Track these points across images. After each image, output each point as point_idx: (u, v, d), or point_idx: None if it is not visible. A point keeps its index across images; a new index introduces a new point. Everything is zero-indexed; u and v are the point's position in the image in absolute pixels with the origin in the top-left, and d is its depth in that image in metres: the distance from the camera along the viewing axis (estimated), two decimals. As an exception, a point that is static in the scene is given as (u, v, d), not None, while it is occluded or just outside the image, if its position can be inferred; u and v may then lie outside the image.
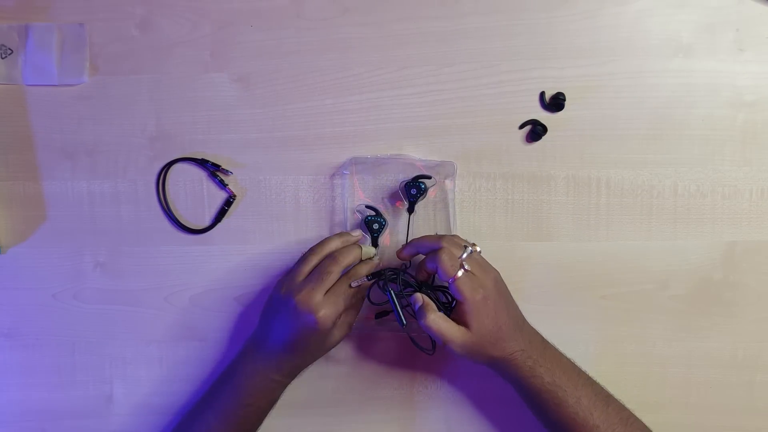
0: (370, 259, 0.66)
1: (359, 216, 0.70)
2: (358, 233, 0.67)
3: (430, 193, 0.70)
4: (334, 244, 0.64)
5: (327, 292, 0.60)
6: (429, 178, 0.68)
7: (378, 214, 0.68)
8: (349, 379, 0.74)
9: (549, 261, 0.72)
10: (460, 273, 0.57)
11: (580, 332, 0.72)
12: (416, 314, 0.59)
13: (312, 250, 0.64)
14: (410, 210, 0.68)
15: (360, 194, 0.71)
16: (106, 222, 0.73)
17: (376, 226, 0.68)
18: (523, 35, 0.71)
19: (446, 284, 0.59)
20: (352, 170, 0.71)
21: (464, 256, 0.59)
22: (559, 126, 0.71)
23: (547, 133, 0.71)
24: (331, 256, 0.62)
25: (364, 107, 0.71)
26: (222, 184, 0.72)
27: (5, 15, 0.72)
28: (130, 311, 0.74)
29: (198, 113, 0.72)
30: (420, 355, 0.73)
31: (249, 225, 0.73)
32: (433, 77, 0.71)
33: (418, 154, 0.72)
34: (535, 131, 0.71)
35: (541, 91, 0.71)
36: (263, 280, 0.73)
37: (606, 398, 0.61)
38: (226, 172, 0.72)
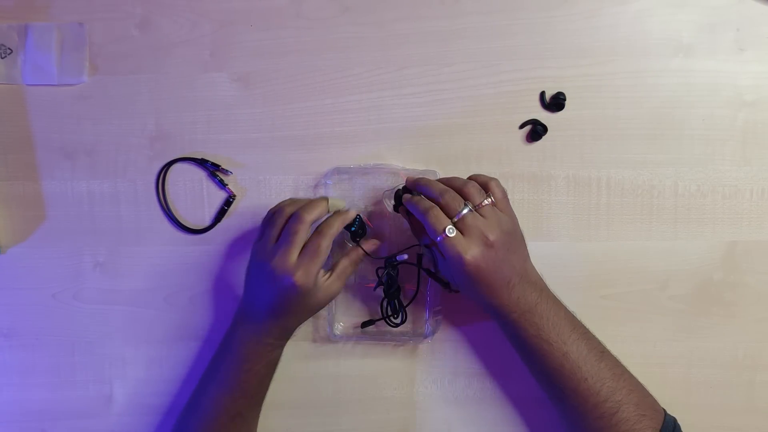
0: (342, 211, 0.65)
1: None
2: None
3: None
4: (292, 207, 0.63)
5: (301, 251, 0.60)
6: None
7: (360, 223, 0.67)
8: (349, 379, 0.74)
9: (549, 261, 0.71)
10: (450, 233, 0.57)
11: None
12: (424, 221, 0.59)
13: (278, 212, 0.63)
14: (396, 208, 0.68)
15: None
16: (105, 222, 0.73)
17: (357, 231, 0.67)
18: (522, 35, 0.71)
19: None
20: (335, 180, 0.71)
21: (457, 217, 0.58)
22: (559, 126, 0.71)
23: (548, 132, 0.71)
24: (295, 215, 0.61)
25: (363, 107, 0.71)
26: (222, 184, 0.72)
27: (5, 15, 0.72)
28: (129, 311, 0.74)
29: (198, 113, 0.72)
30: (420, 356, 0.73)
31: (249, 225, 0.73)
32: (433, 77, 0.71)
33: (419, 154, 0.72)
34: (536, 131, 0.71)
35: (542, 90, 0.71)
36: (263, 280, 0.72)
37: (600, 353, 0.61)
38: (225, 171, 0.72)
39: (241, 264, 0.73)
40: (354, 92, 0.71)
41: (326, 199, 0.64)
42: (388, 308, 0.69)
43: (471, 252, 0.57)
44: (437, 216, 0.58)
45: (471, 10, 0.71)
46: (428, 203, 0.60)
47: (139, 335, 0.74)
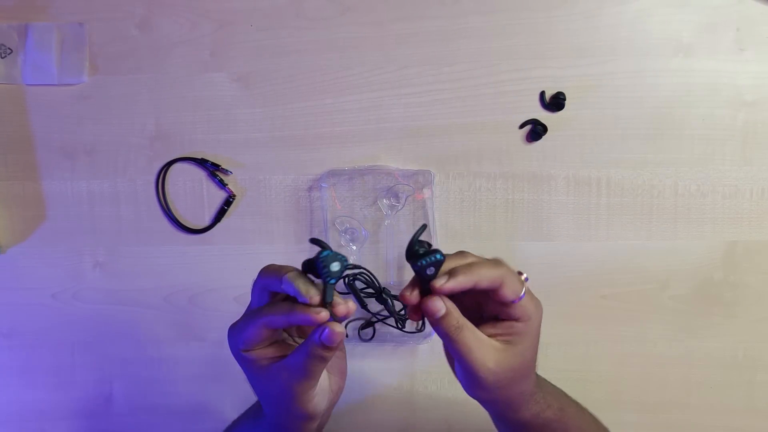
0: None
1: (338, 227, 0.70)
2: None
3: (417, 196, 0.70)
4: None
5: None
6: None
7: (328, 249, 0.43)
8: (349, 380, 0.74)
9: (549, 261, 0.72)
10: (523, 291, 0.46)
11: (580, 332, 0.72)
12: (439, 326, 0.44)
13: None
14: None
15: (338, 206, 0.71)
16: (105, 222, 0.73)
17: (335, 265, 0.42)
18: (522, 35, 0.71)
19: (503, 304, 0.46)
20: (330, 182, 0.71)
21: (526, 276, 0.48)
22: (559, 126, 0.71)
23: (547, 132, 0.71)
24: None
25: (363, 107, 0.71)
26: (222, 184, 0.72)
27: (5, 14, 0.72)
28: (129, 311, 0.74)
29: (198, 113, 0.72)
30: (420, 356, 0.73)
31: (249, 225, 0.73)
32: (433, 77, 0.71)
33: (419, 153, 0.72)
34: (535, 131, 0.71)
35: (541, 90, 0.71)
36: (263, 280, 0.72)
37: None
38: (225, 171, 0.72)
39: (240, 264, 0.73)
40: (354, 92, 0.71)
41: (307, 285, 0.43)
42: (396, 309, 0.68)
43: (540, 315, 0.47)
44: (512, 273, 0.46)
45: (471, 9, 0.71)
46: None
47: (138, 335, 0.74)
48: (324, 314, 0.42)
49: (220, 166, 0.72)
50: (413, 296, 0.44)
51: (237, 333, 0.46)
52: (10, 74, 0.72)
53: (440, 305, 0.43)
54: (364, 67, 0.71)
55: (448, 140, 0.71)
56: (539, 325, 0.48)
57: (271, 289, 0.46)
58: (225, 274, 0.73)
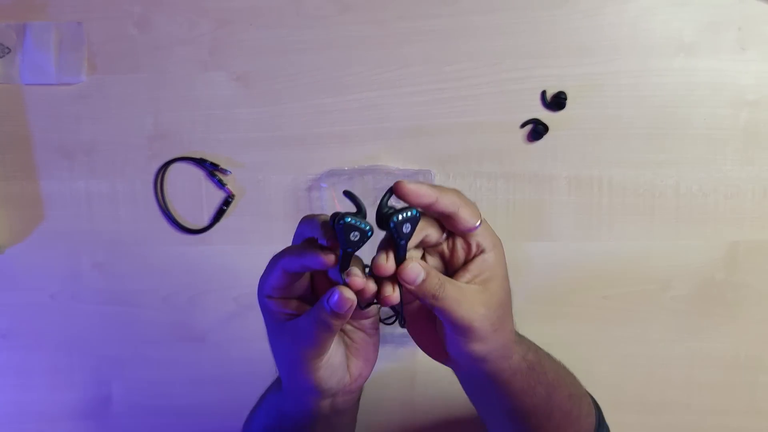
0: None
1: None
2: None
3: None
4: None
5: None
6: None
7: (359, 213, 0.39)
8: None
9: (550, 261, 0.71)
10: (480, 219, 0.42)
11: (581, 333, 0.72)
12: (421, 291, 0.40)
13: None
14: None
15: (338, 206, 0.71)
16: (104, 222, 0.73)
17: (355, 235, 0.38)
18: (524, 33, 0.70)
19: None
20: (330, 182, 0.71)
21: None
22: (560, 125, 0.70)
23: (549, 132, 0.71)
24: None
25: (364, 106, 0.71)
26: (220, 184, 0.72)
27: (3, 14, 0.72)
28: (128, 312, 0.74)
29: (197, 112, 0.72)
30: (420, 356, 0.72)
31: (248, 225, 0.73)
32: (434, 76, 0.71)
33: (419, 153, 0.71)
34: (537, 130, 0.70)
35: (543, 89, 0.70)
36: (262, 280, 0.72)
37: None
38: (224, 171, 0.72)
39: (239, 264, 0.72)
40: (354, 91, 0.71)
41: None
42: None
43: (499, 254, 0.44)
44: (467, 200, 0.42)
45: (472, 8, 0.70)
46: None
47: (137, 336, 0.74)
48: (332, 257, 0.39)
49: (219, 165, 0.72)
50: (389, 264, 0.39)
51: (263, 278, 0.44)
52: (8, 74, 0.72)
53: (419, 269, 0.40)
54: (365, 66, 0.71)
55: (448, 140, 0.71)
56: (504, 256, 0.44)
57: (305, 236, 0.43)
58: (224, 275, 0.73)
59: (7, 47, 0.72)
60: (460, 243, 0.43)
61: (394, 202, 0.39)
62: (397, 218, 0.38)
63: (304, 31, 0.71)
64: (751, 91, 0.70)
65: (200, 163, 0.72)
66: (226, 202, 0.72)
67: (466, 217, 0.41)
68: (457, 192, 0.42)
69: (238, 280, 0.72)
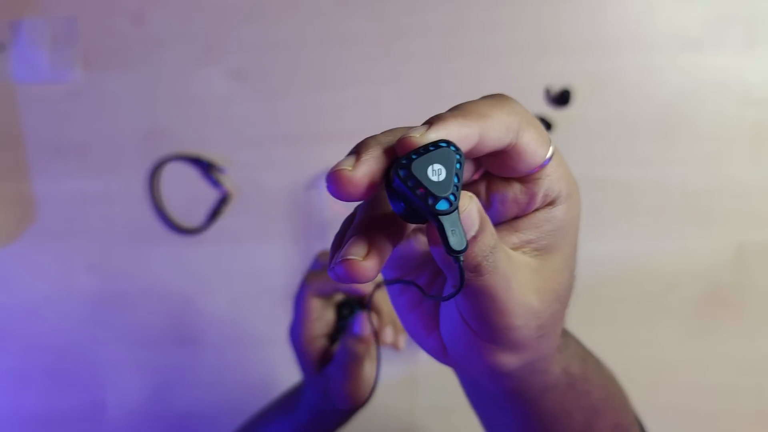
0: None
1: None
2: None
3: None
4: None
5: None
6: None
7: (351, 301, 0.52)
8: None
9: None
10: (551, 149, 0.27)
11: (586, 335, 0.70)
12: (469, 254, 0.23)
13: None
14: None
15: (337, 207, 0.70)
16: (97, 222, 0.72)
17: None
18: (526, 29, 0.69)
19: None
20: None
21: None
22: (564, 123, 0.69)
23: (552, 130, 0.70)
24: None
25: (362, 103, 0.70)
26: (216, 183, 0.71)
27: (-6, 9, 0.71)
28: (122, 314, 0.73)
29: (192, 109, 0.71)
30: (422, 361, 0.71)
31: (244, 224, 0.72)
32: (434, 72, 0.70)
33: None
34: (540, 128, 0.69)
35: (546, 86, 0.69)
36: (258, 281, 0.71)
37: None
38: (220, 170, 0.71)
39: (235, 265, 0.71)
40: (353, 88, 0.70)
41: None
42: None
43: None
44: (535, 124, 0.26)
45: (473, 3, 0.70)
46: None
47: (132, 338, 0.73)
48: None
49: (214, 164, 0.71)
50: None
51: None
52: (0, 71, 0.71)
53: (475, 214, 0.23)
54: (364, 62, 0.70)
55: (449, 138, 0.70)
56: (579, 212, 0.28)
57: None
58: (219, 276, 0.72)
59: (1, 44, 0.71)
60: (514, 190, 0.27)
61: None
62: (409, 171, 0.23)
63: (303, 27, 0.70)
64: (759, 88, 0.69)
65: (196, 161, 0.71)
66: (222, 201, 0.71)
67: (530, 147, 0.25)
68: (507, 103, 0.26)
69: (235, 281, 0.71)
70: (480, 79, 0.70)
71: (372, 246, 0.23)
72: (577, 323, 0.71)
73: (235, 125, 0.71)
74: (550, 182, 0.26)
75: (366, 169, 0.23)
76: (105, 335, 0.73)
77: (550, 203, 0.27)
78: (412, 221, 0.24)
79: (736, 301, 0.71)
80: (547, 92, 0.69)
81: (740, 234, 0.70)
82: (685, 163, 0.70)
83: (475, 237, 0.23)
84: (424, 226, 0.25)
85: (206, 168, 0.71)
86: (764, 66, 0.69)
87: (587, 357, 0.37)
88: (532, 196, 0.26)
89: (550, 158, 0.26)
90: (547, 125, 0.69)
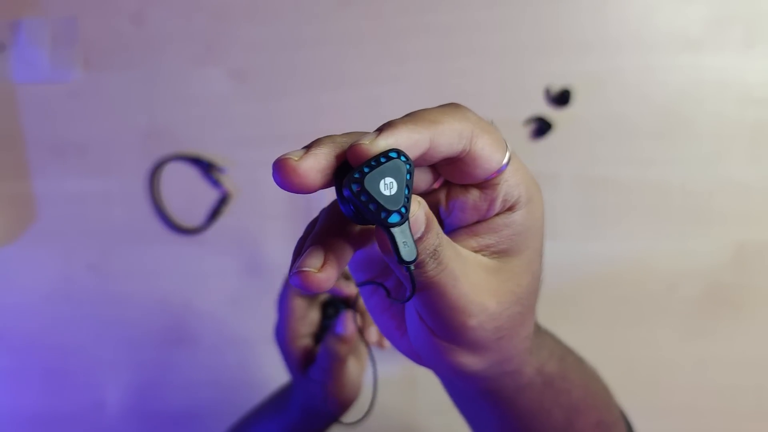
0: None
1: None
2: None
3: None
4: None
5: None
6: None
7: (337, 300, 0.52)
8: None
9: (554, 261, 0.70)
10: (508, 154, 0.27)
11: (586, 335, 0.71)
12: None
13: None
14: None
15: None
16: (97, 222, 0.72)
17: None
18: (526, 29, 0.69)
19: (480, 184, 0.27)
20: None
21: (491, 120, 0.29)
22: (564, 122, 0.69)
23: (552, 129, 0.69)
24: None
25: (362, 102, 0.70)
26: (216, 183, 0.71)
27: (-6, 9, 0.71)
28: (122, 314, 0.73)
29: (192, 109, 0.71)
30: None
31: (244, 224, 0.72)
32: (434, 72, 0.70)
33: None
34: (540, 128, 0.69)
35: (546, 86, 0.69)
36: (258, 281, 0.71)
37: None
38: (220, 170, 0.71)
39: (235, 265, 0.71)
40: (353, 87, 0.70)
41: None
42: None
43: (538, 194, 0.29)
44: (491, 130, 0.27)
45: (472, 3, 0.70)
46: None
47: (132, 338, 0.73)
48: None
49: (214, 164, 0.71)
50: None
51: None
52: (0, 71, 0.71)
53: (421, 216, 0.24)
54: (363, 62, 0.70)
55: (449, 138, 0.70)
56: (543, 215, 0.28)
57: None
58: (219, 276, 0.72)
59: (1, 44, 0.71)
60: (473, 196, 0.27)
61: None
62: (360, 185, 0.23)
63: (302, 27, 0.70)
64: (758, 88, 0.69)
65: (196, 161, 0.71)
66: (222, 201, 0.71)
67: (484, 153, 0.25)
68: (459, 110, 0.25)
69: (234, 281, 0.71)
70: (480, 79, 0.70)
71: (328, 256, 0.24)
72: (577, 323, 0.72)
73: (234, 125, 0.71)
74: (508, 187, 0.27)
75: (312, 162, 0.24)
76: (104, 335, 0.73)
77: (510, 208, 0.27)
78: (362, 224, 0.25)
79: (736, 301, 0.70)
80: (547, 92, 0.69)
81: (740, 234, 0.70)
82: (685, 163, 0.70)
83: (420, 238, 0.24)
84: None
85: (206, 168, 0.71)
86: (764, 66, 0.69)
87: (566, 356, 0.37)
88: (491, 202, 0.27)
89: (507, 163, 0.26)
90: (547, 125, 0.69)
